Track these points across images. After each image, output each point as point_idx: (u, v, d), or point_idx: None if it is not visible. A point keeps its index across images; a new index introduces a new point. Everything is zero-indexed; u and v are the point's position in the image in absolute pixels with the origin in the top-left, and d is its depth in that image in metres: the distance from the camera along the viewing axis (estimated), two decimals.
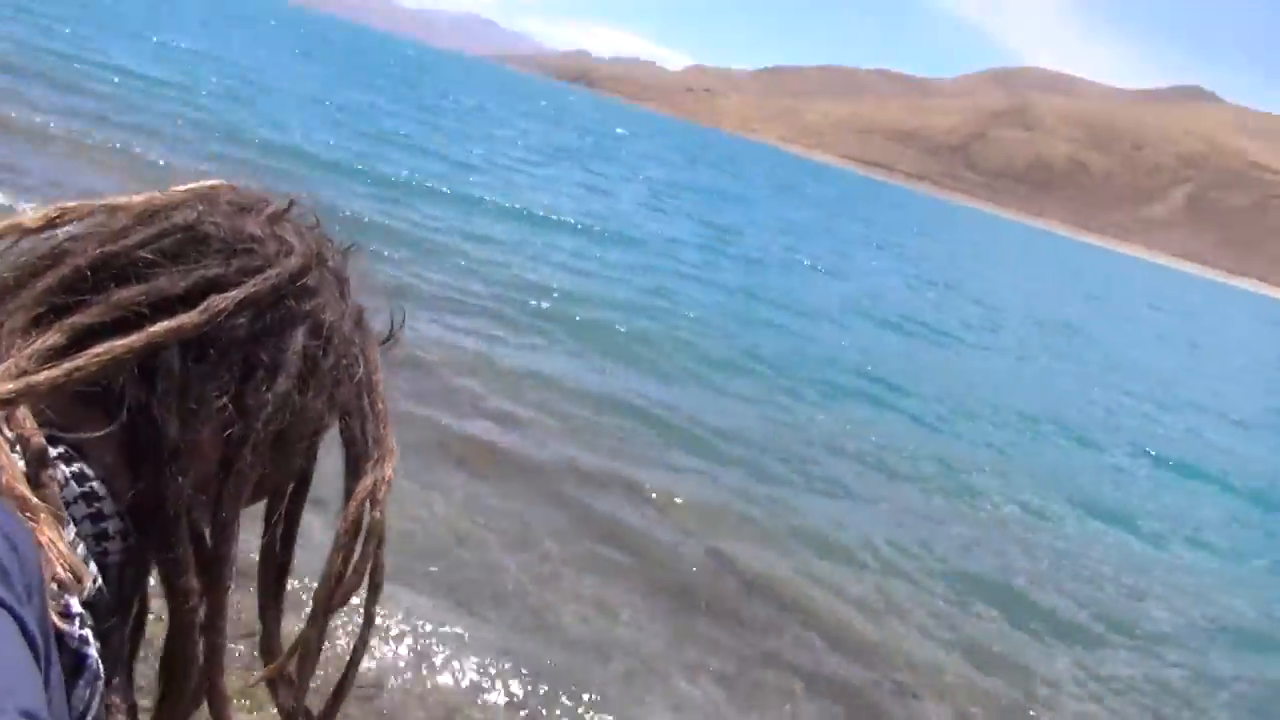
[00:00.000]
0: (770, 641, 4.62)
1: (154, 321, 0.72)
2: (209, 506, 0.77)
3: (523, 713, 3.56)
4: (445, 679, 3.56)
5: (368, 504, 0.83)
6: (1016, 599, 6.03)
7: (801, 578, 5.35)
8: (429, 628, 3.77)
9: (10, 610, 0.55)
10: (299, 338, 0.79)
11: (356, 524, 0.82)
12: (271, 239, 0.81)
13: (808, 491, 6.81)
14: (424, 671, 3.54)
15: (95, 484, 0.70)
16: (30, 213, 0.77)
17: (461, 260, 10.75)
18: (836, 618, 5.04)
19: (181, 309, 0.73)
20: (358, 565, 0.83)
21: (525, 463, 5.72)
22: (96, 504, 0.70)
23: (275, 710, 0.88)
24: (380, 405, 0.87)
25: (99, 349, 0.69)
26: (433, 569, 4.21)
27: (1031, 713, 4.76)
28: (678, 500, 5.82)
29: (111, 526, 0.71)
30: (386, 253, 9.56)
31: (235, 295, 0.75)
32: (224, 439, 0.76)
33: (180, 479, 0.74)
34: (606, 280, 12.39)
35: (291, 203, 0.87)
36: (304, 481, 0.89)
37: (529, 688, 3.69)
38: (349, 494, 0.83)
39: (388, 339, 0.93)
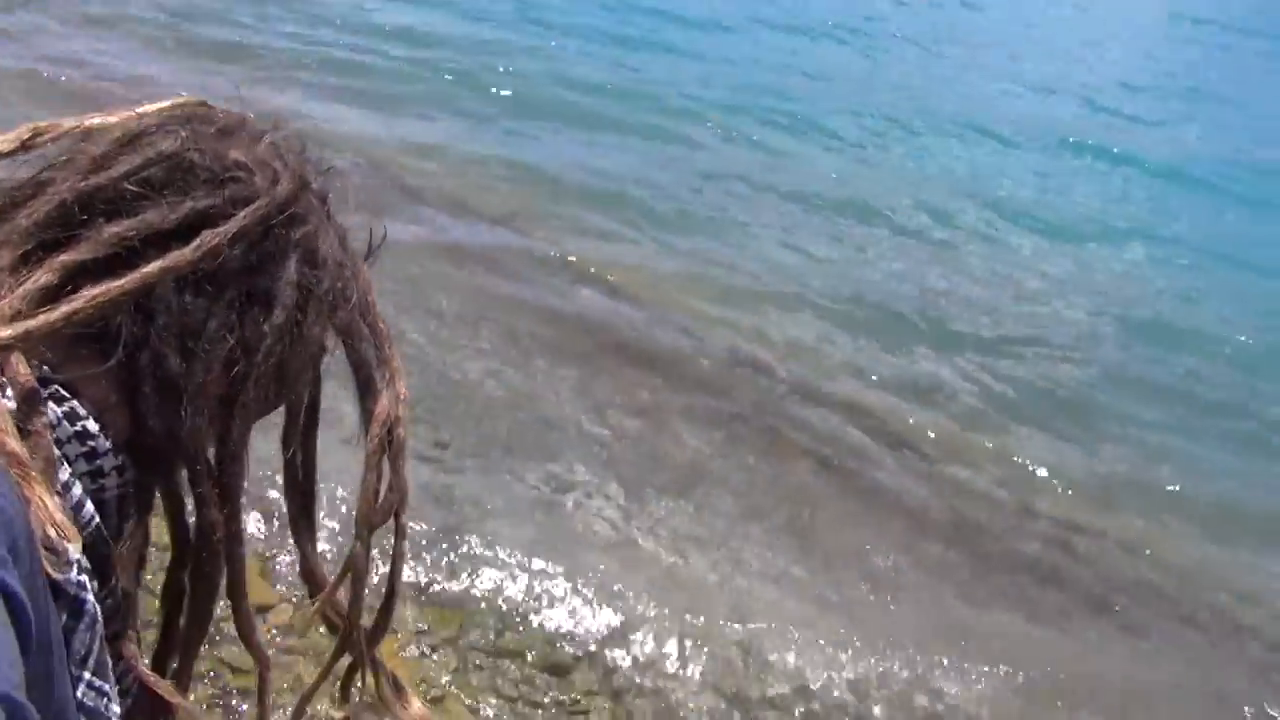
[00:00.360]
0: (672, 382, 4.70)
1: (145, 256, 0.72)
2: (215, 441, 0.79)
3: (432, 467, 3.63)
4: (339, 440, 3.59)
5: (391, 422, 0.85)
6: (919, 312, 6.01)
7: (698, 317, 5.37)
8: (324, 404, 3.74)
9: None
10: (292, 267, 0.79)
11: (383, 443, 0.85)
12: (258, 165, 0.80)
13: (703, 227, 6.69)
14: (320, 442, 3.56)
15: (88, 423, 0.71)
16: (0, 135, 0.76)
17: (305, 5, 9.76)
18: (734, 350, 5.11)
19: (174, 243, 0.73)
20: (393, 482, 0.86)
21: (402, 235, 5.44)
22: (90, 443, 0.71)
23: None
24: (380, 324, 0.88)
25: (95, 291, 0.69)
26: None
27: (952, 429, 4.88)
28: (571, 254, 5.71)
29: (107, 464, 0.72)
30: (219, 8, 8.63)
31: (227, 229, 0.75)
32: (229, 377, 0.77)
33: (196, 419, 0.75)
34: (466, 12, 11.46)
35: (274, 125, 0.86)
36: (314, 408, 0.91)
37: (438, 440, 3.77)
38: (368, 415, 0.85)
39: (368, 255, 0.92)
